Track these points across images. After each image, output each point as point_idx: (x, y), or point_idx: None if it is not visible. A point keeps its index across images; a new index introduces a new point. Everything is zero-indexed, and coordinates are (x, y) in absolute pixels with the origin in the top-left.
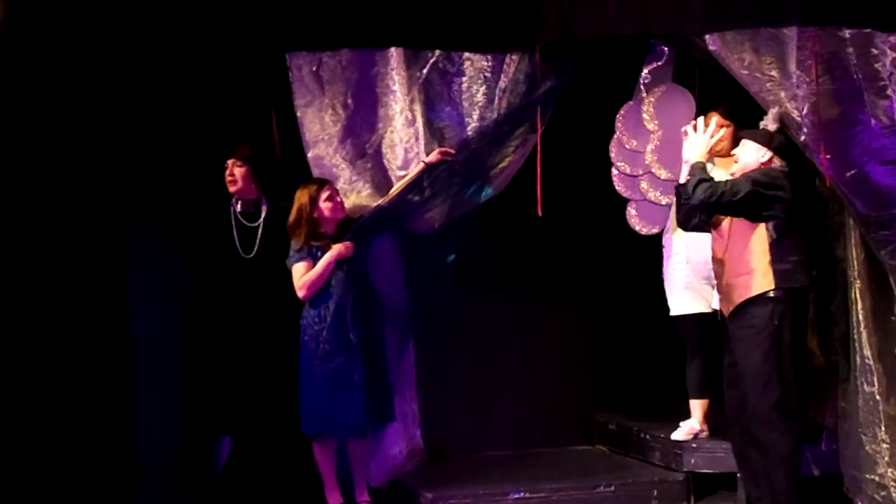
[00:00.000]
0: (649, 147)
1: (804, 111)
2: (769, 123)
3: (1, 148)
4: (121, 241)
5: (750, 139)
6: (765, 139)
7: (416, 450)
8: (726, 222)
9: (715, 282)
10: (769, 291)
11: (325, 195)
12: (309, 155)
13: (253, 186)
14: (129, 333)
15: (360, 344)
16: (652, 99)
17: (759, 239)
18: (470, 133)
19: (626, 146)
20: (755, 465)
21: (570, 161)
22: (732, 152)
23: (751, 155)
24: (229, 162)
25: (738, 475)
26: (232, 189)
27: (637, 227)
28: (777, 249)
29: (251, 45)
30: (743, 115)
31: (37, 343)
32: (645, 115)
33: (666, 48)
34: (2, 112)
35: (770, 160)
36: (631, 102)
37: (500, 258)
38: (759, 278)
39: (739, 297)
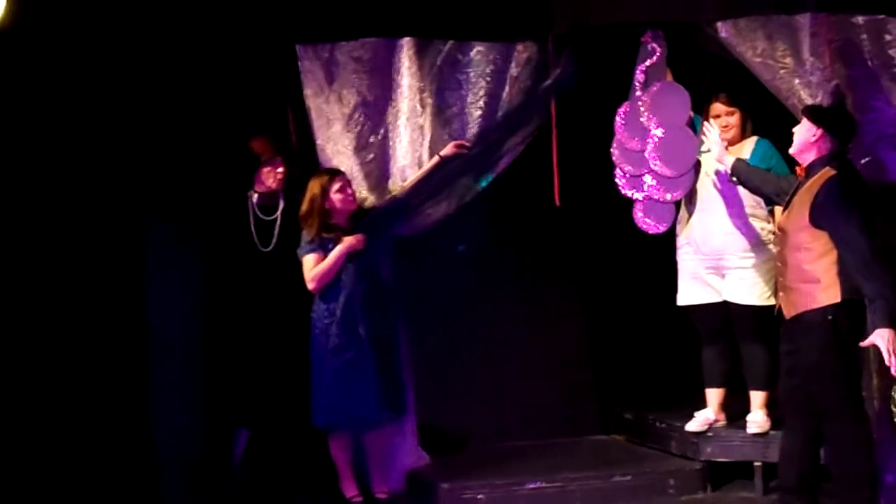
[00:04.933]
0: (650, 146)
1: (818, 98)
2: (825, 100)
3: (19, 143)
4: (139, 236)
5: (805, 115)
6: (816, 115)
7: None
8: (786, 222)
9: (725, 272)
10: (835, 302)
11: (336, 186)
12: (317, 144)
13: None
14: (147, 328)
15: (370, 338)
16: (647, 98)
17: (827, 246)
18: (482, 123)
19: (627, 147)
20: (805, 455)
21: (585, 152)
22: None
23: (802, 133)
24: (278, 159)
25: (756, 464)
26: (275, 186)
27: (645, 227)
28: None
29: (266, 38)
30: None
31: (55, 338)
32: (642, 115)
33: (657, 46)
34: (21, 108)
35: (820, 139)
36: (627, 103)
37: (516, 249)
38: (826, 289)
39: (804, 306)
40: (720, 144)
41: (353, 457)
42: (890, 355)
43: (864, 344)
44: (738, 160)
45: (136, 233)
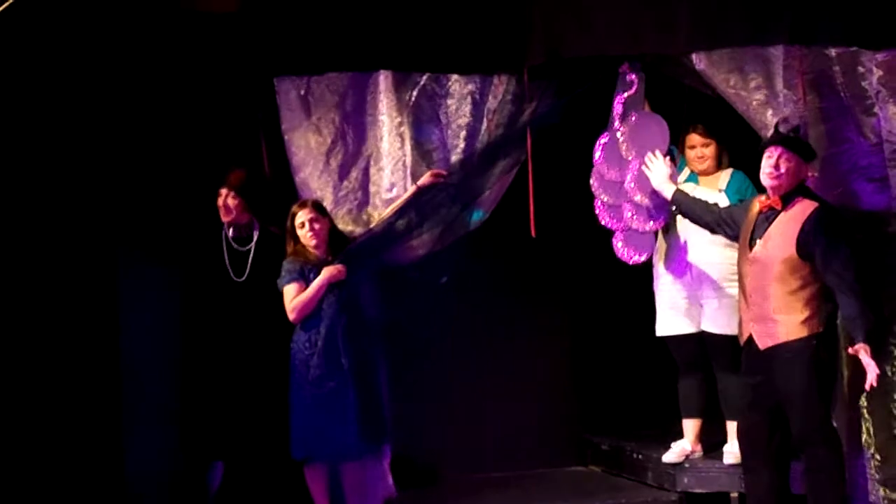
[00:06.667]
0: (628, 176)
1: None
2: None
3: None
4: (112, 267)
5: (793, 150)
6: (800, 147)
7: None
8: (764, 253)
9: (703, 301)
10: (817, 332)
11: (298, 221)
12: (296, 179)
13: (245, 213)
14: (120, 358)
15: (351, 368)
16: (626, 128)
17: (809, 278)
18: (460, 155)
19: (606, 177)
20: (766, 491)
21: (560, 182)
22: (772, 165)
23: (793, 169)
24: (223, 191)
25: (732, 495)
26: (225, 219)
27: (625, 258)
28: (825, 287)
29: (242, 70)
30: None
31: (27, 369)
32: (621, 145)
33: (635, 77)
34: None
35: (806, 170)
36: (606, 133)
37: (492, 279)
38: (809, 320)
39: (785, 336)
40: (664, 174)
41: (329, 488)
42: (871, 367)
43: (851, 351)
44: (678, 191)
45: (109, 264)
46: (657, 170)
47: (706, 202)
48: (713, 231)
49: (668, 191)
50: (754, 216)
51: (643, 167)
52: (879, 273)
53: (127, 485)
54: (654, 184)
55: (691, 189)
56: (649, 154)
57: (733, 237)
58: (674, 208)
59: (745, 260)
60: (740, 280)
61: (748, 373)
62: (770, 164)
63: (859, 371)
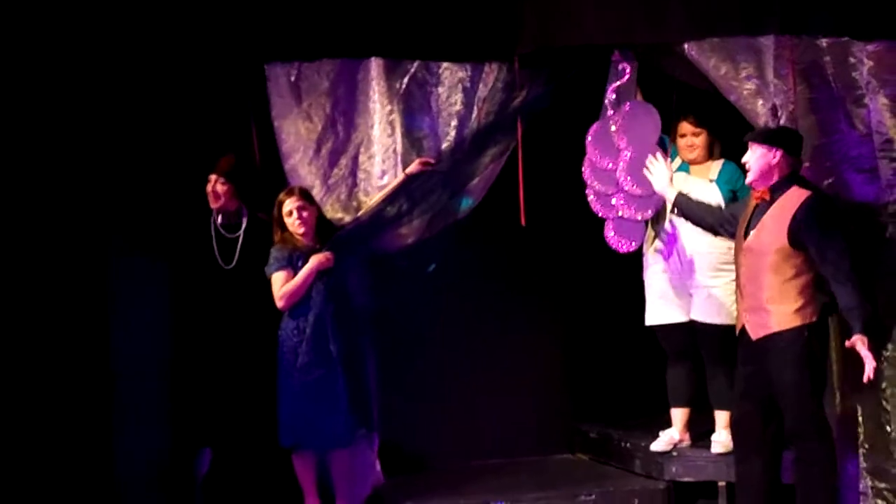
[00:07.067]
0: (620, 165)
1: (782, 120)
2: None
3: None
4: (102, 254)
5: (758, 142)
6: (771, 139)
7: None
8: (757, 243)
9: (692, 291)
10: (809, 322)
11: (285, 210)
12: (286, 166)
13: (234, 200)
14: (110, 346)
15: (340, 356)
16: (618, 117)
17: (802, 267)
18: (451, 143)
19: (598, 166)
20: (757, 481)
21: (550, 171)
22: (744, 160)
23: (759, 160)
24: (212, 177)
25: (720, 484)
26: (213, 205)
27: (616, 246)
28: (818, 278)
29: (231, 56)
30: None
31: (17, 357)
32: (613, 134)
33: (627, 66)
34: None
35: (781, 160)
36: (598, 122)
37: (481, 267)
38: (801, 309)
39: (778, 325)
40: (665, 177)
41: (317, 475)
42: (868, 359)
43: (848, 344)
44: (680, 194)
45: (99, 250)
46: (658, 173)
47: (708, 204)
48: (716, 233)
49: (670, 194)
50: (751, 209)
51: (644, 169)
52: (870, 264)
53: (115, 471)
54: (655, 187)
55: (682, 178)
56: (651, 157)
57: (734, 236)
58: (675, 211)
59: (740, 250)
60: (736, 271)
61: (742, 363)
62: (743, 161)
63: (850, 362)
